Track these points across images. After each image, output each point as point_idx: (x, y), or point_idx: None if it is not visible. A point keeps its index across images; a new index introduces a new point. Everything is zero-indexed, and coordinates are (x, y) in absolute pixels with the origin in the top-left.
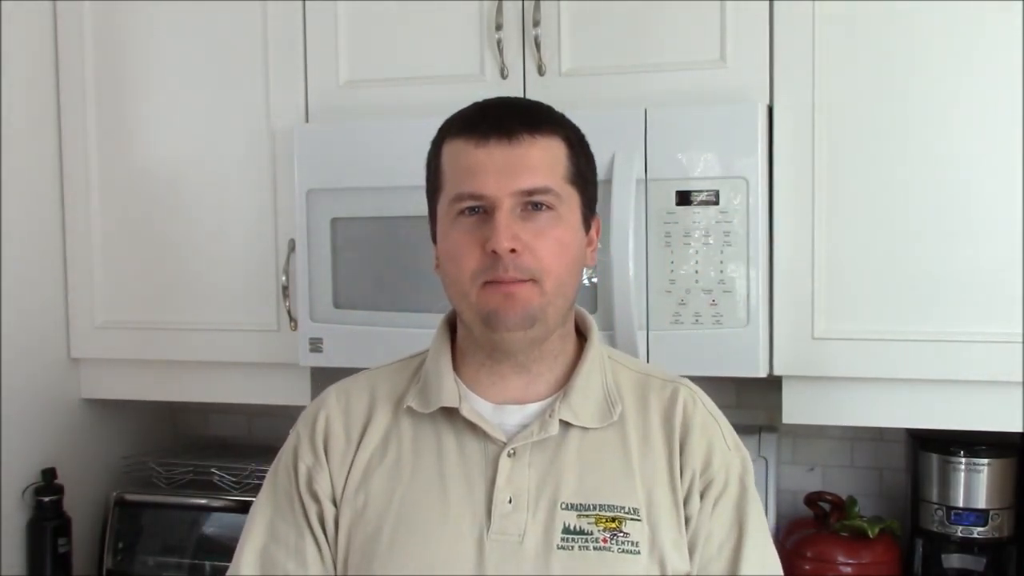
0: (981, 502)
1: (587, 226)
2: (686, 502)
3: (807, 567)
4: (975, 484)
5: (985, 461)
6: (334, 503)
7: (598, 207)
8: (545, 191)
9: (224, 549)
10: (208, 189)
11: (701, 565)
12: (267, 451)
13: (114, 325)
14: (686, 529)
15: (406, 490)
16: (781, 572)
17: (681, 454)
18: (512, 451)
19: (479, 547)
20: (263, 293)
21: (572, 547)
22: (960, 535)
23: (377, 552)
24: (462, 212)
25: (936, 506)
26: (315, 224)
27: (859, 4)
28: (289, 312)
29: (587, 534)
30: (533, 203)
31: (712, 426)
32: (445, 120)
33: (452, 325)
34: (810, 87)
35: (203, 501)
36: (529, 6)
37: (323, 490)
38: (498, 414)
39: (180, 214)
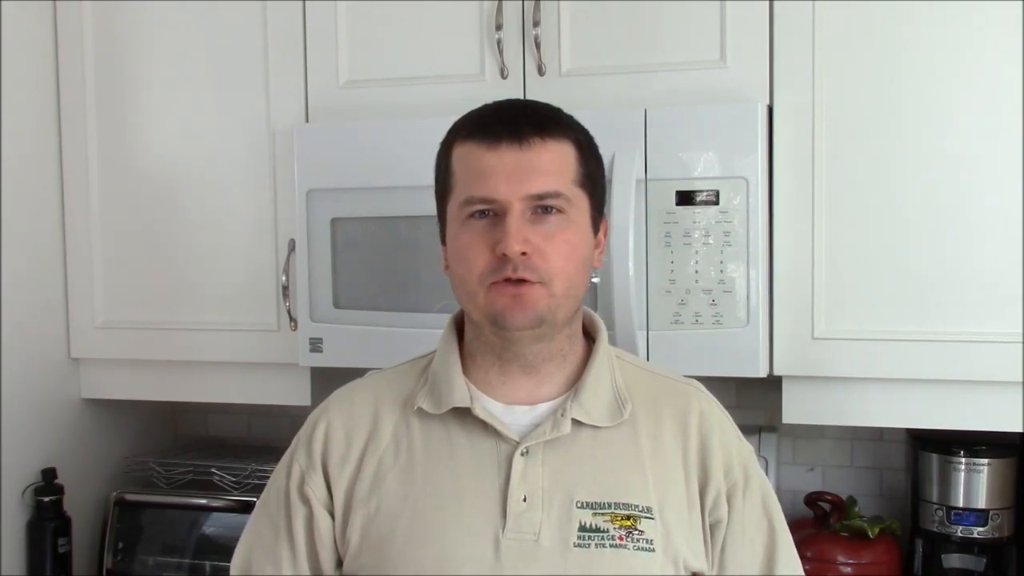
0: (981, 502)
1: (595, 228)
2: (715, 506)
3: (807, 567)
4: (975, 484)
5: (985, 461)
6: (330, 511)
7: None
8: (555, 195)
9: (224, 549)
10: (208, 189)
11: (742, 564)
12: (267, 451)
13: (114, 325)
14: (716, 532)
15: (420, 491)
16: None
17: (703, 458)
18: (525, 450)
19: (496, 546)
20: (263, 293)
21: (589, 545)
22: (960, 535)
23: (393, 553)
24: (472, 215)
25: (936, 506)
26: (315, 224)
27: (859, 4)
28: (289, 312)
29: (603, 532)
30: (543, 206)
31: (727, 427)
32: (455, 122)
33: (459, 326)
34: (810, 87)
35: (203, 501)
36: (529, 6)
37: (315, 494)
38: (509, 414)
39: (180, 214)
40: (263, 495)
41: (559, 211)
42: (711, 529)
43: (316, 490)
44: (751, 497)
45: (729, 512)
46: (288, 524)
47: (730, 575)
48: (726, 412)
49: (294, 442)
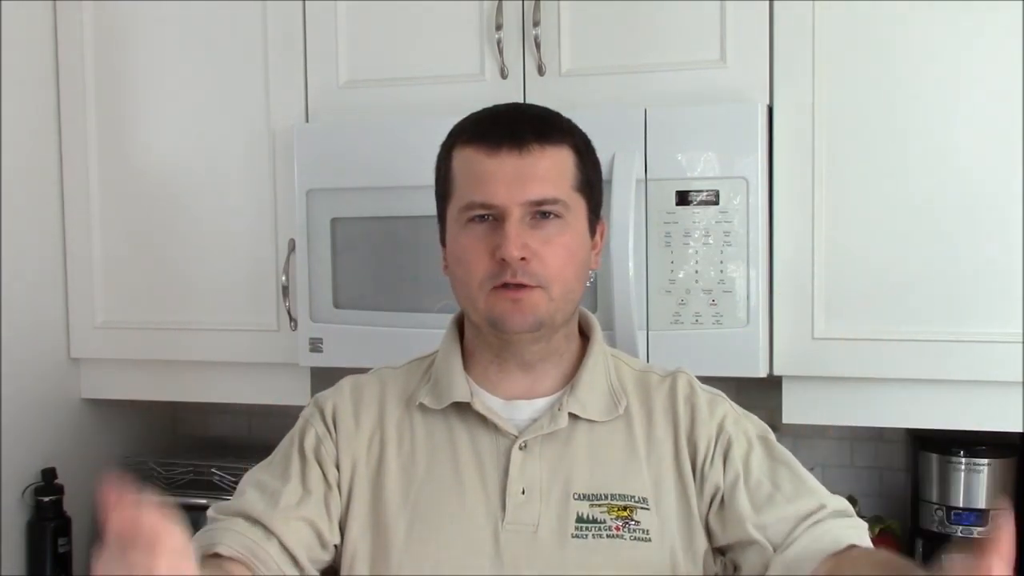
0: (981, 502)
1: (592, 231)
2: (704, 478)
3: None
4: (975, 484)
5: (985, 461)
6: (338, 484)
7: None
8: (554, 201)
9: None
10: (208, 189)
11: (760, 503)
12: (267, 451)
13: (114, 325)
14: (718, 501)
15: (422, 483)
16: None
17: (691, 438)
18: (523, 444)
19: (495, 537)
20: (263, 293)
21: (586, 536)
22: (960, 535)
23: (394, 544)
24: (472, 219)
25: (936, 506)
26: (315, 224)
27: (859, 4)
28: (289, 312)
29: (600, 523)
30: (542, 212)
31: (717, 402)
32: (455, 125)
33: (461, 325)
34: (810, 87)
35: (203, 501)
36: (529, 6)
37: (329, 457)
38: (508, 409)
39: (180, 214)
40: (262, 464)
41: (557, 216)
42: (714, 504)
43: (330, 453)
44: (756, 456)
45: (727, 471)
46: (302, 477)
47: (769, 523)
48: (717, 391)
49: (305, 413)
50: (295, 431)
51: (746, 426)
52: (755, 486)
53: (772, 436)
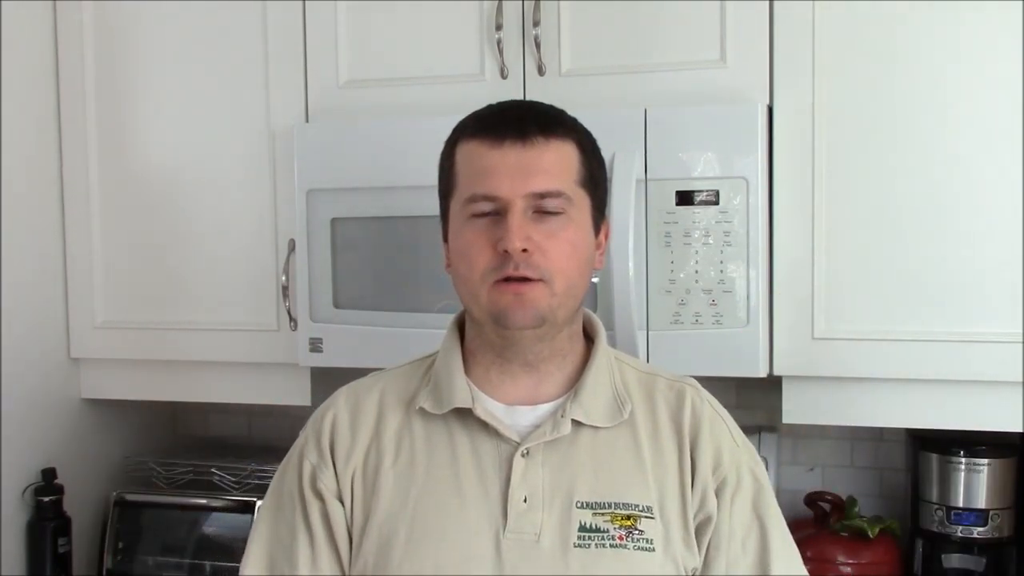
0: (981, 502)
1: (596, 229)
2: (702, 502)
3: (807, 567)
4: (975, 484)
5: (985, 461)
6: (340, 500)
7: None
8: (557, 194)
9: (224, 549)
10: (208, 189)
11: (729, 563)
12: (267, 451)
13: (114, 325)
14: (705, 530)
15: (421, 491)
16: (802, 564)
17: (692, 454)
18: (526, 451)
19: (496, 546)
20: (263, 293)
21: (589, 545)
22: (960, 535)
23: (394, 553)
24: (475, 213)
25: (936, 506)
26: (315, 224)
27: (859, 4)
28: (289, 312)
29: (603, 532)
30: (545, 206)
31: (719, 424)
32: (459, 121)
33: (461, 327)
34: (810, 87)
35: (203, 501)
36: (529, 6)
37: (328, 488)
38: (510, 414)
39: (180, 214)
40: (272, 495)
41: (561, 211)
42: (700, 527)
43: (328, 484)
44: (740, 499)
45: (718, 512)
46: (306, 521)
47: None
48: (721, 410)
49: (302, 437)
50: (294, 464)
51: (739, 459)
52: (727, 536)
53: (763, 474)
